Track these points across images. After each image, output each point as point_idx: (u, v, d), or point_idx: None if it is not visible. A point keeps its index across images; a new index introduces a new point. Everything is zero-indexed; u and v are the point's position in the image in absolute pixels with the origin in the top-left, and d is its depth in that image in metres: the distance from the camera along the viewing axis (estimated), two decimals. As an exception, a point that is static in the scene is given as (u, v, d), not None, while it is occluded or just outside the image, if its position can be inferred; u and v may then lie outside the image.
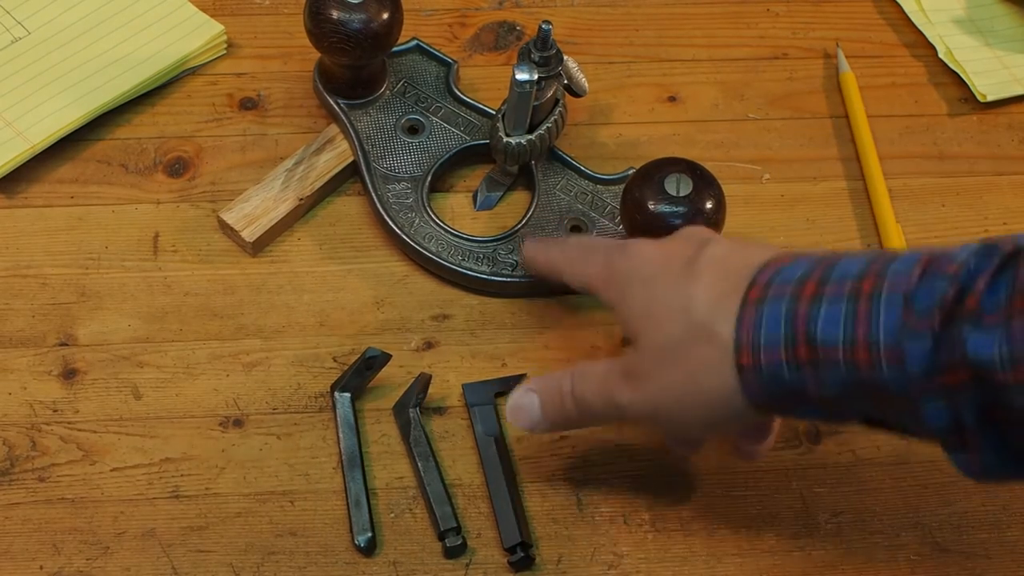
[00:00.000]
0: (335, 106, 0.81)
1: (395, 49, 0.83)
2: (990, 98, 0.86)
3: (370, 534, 0.68)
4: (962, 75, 0.87)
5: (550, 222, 0.78)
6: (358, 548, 0.67)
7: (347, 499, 0.69)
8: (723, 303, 0.58)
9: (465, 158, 0.81)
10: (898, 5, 0.91)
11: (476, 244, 0.77)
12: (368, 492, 0.69)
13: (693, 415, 0.60)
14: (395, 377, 0.73)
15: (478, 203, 0.80)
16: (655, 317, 0.60)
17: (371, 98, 0.82)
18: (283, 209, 0.78)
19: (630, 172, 0.77)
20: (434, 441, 0.71)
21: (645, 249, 0.64)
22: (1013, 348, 0.50)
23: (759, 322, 0.56)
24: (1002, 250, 0.52)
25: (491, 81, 0.85)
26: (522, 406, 0.66)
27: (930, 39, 0.89)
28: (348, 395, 0.71)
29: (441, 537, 0.68)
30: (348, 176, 0.81)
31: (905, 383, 0.53)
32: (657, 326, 0.60)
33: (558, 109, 0.78)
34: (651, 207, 0.71)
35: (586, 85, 0.79)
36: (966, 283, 0.52)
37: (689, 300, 0.59)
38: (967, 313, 0.51)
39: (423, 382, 0.72)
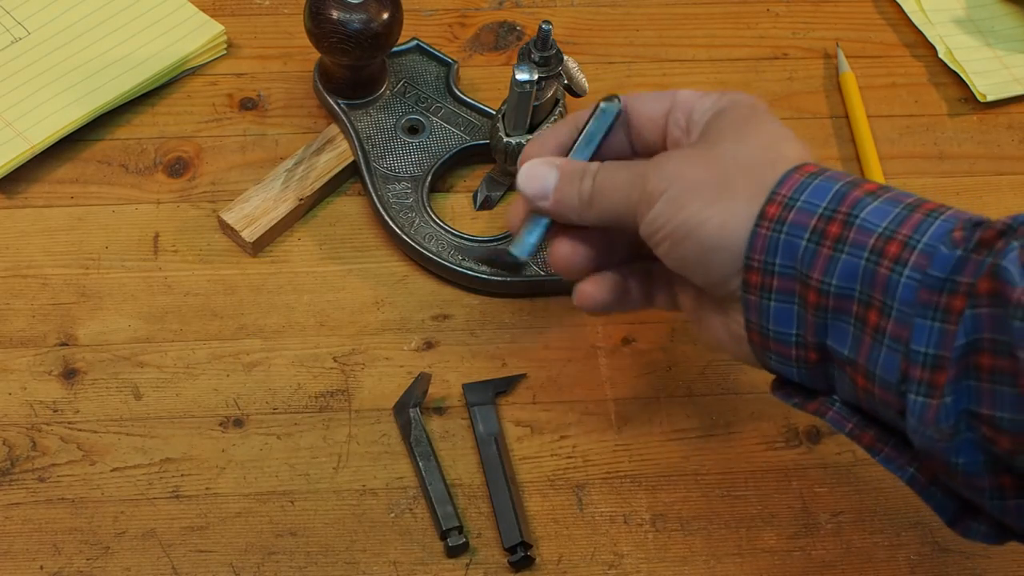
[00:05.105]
0: (335, 106, 0.81)
1: (395, 49, 0.83)
2: (990, 98, 0.86)
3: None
4: (962, 75, 0.87)
5: (550, 222, 0.78)
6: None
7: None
8: (795, 159, 0.58)
9: (465, 158, 0.81)
10: (898, 5, 0.91)
11: (476, 244, 0.77)
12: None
13: (697, 240, 0.58)
14: (395, 377, 0.73)
15: (478, 203, 0.81)
16: (742, 132, 0.59)
17: (371, 98, 0.82)
18: (283, 209, 0.78)
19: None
20: (434, 441, 0.71)
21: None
22: None
23: (808, 184, 0.56)
24: None
25: (491, 81, 0.85)
26: (537, 174, 0.63)
27: (930, 39, 0.89)
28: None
29: (443, 536, 0.68)
30: (348, 176, 0.81)
31: (913, 292, 0.52)
32: (740, 137, 0.59)
33: (558, 109, 0.78)
34: None
35: (586, 85, 0.79)
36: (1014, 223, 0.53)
37: (785, 141, 0.59)
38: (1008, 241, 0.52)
39: (423, 382, 0.72)
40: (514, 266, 0.63)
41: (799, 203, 0.56)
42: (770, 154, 0.58)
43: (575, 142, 0.64)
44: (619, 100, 0.63)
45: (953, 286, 0.52)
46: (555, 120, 0.78)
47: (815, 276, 0.55)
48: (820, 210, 0.55)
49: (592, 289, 0.65)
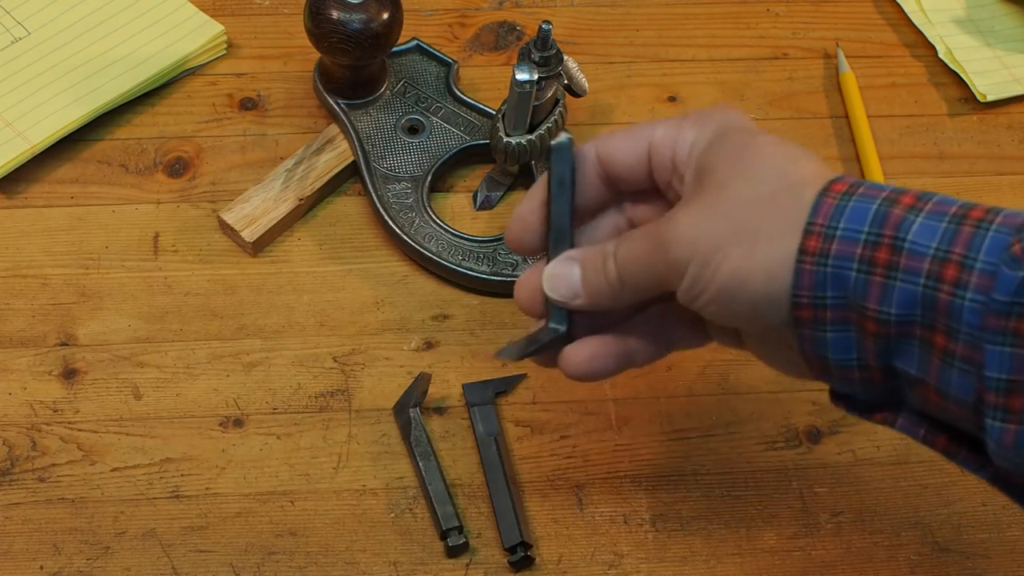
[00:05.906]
0: (335, 106, 0.81)
1: (395, 49, 0.83)
2: (990, 98, 0.86)
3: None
4: (962, 75, 0.87)
5: (550, 222, 0.78)
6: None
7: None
8: (815, 179, 0.55)
9: (465, 158, 0.81)
10: (898, 5, 0.91)
11: (476, 244, 0.77)
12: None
13: (746, 295, 0.54)
14: (395, 377, 0.73)
15: (478, 203, 0.81)
16: (746, 164, 0.55)
17: (371, 98, 0.82)
18: (283, 209, 0.78)
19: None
20: (434, 441, 0.71)
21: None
22: None
23: (843, 207, 0.53)
24: None
25: (491, 81, 0.85)
26: (560, 274, 0.59)
27: (930, 39, 0.89)
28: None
29: (443, 536, 0.68)
30: (348, 176, 0.81)
31: (979, 316, 0.50)
32: (747, 171, 0.55)
33: (558, 109, 0.78)
34: None
35: (586, 85, 0.79)
36: None
37: (796, 161, 0.56)
38: None
39: (423, 382, 0.72)
40: (559, 340, 0.62)
41: (839, 231, 0.53)
42: (787, 180, 0.55)
43: (549, 192, 0.60)
44: (566, 132, 0.61)
45: (1021, 309, 0.50)
46: (555, 120, 0.78)
47: (871, 306, 0.52)
48: (863, 236, 0.53)
49: (587, 353, 0.61)
